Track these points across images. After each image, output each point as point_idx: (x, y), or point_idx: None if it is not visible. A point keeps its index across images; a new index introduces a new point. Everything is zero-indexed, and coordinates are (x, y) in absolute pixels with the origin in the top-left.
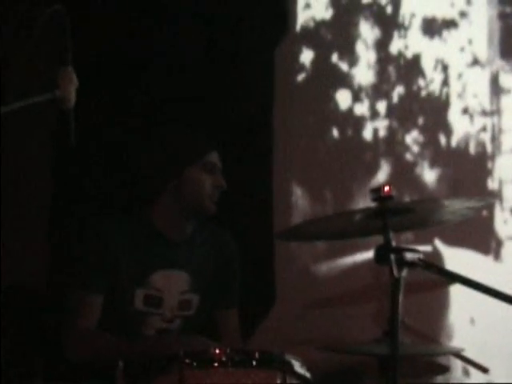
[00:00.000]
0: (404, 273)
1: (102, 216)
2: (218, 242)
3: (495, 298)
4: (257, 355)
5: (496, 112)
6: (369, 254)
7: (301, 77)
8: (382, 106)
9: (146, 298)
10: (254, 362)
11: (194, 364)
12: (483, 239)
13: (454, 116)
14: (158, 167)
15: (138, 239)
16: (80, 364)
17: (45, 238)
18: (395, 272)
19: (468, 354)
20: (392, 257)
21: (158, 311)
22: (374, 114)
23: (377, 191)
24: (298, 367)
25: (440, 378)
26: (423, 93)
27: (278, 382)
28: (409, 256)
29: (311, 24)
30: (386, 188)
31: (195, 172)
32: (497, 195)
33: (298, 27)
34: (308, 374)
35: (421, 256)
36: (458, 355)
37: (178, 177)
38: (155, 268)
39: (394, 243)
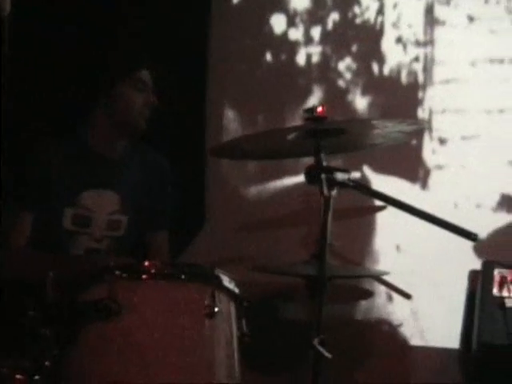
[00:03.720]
0: (334, 193)
1: (36, 137)
2: (151, 164)
3: (423, 219)
4: (186, 269)
5: (429, 43)
6: (299, 178)
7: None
8: (316, 32)
9: (75, 217)
10: (183, 276)
11: (124, 275)
12: (411, 168)
13: (388, 45)
14: (89, 80)
15: (71, 159)
16: (13, 281)
17: None
18: (325, 191)
19: (393, 280)
20: (323, 176)
21: (87, 230)
22: (309, 40)
23: (310, 111)
24: (226, 282)
25: (364, 303)
26: (358, 20)
27: (207, 295)
28: (339, 176)
29: None
30: (320, 108)
31: (126, 88)
32: (427, 123)
33: None
34: (237, 290)
35: (351, 176)
36: (382, 280)
37: (109, 92)
38: (85, 187)
39: (324, 164)
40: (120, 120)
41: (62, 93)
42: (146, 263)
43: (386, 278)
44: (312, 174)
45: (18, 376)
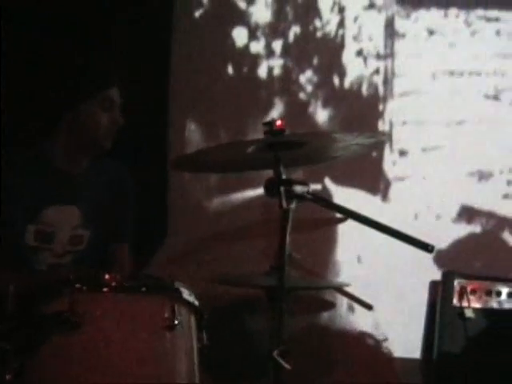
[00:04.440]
0: (293, 205)
1: None
2: (112, 177)
3: (381, 232)
4: (146, 281)
5: (389, 55)
6: (260, 191)
7: (198, 13)
8: (277, 45)
9: (37, 233)
10: (144, 288)
11: (85, 288)
12: (372, 179)
13: (349, 58)
14: (54, 98)
15: (33, 174)
16: None
17: None
18: (284, 204)
19: (354, 291)
20: (281, 189)
21: (49, 246)
22: (270, 53)
23: (269, 124)
24: (186, 295)
25: (326, 314)
26: (319, 33)
27: (167, 308)
28: (298, 189)
29: None
30: (279, 122)
31: (91, 107)
32: (387, 135)
33: None
34: (197, 302)
35: (309, 189)
36: (343, 291)
37: (74, 110)
38: (47, 203)
39: (284, 177)
40: (85, 138)
41: (26, 106)
42: (107, 276)
43: (347, 288)
44: (271, 187)
45: None
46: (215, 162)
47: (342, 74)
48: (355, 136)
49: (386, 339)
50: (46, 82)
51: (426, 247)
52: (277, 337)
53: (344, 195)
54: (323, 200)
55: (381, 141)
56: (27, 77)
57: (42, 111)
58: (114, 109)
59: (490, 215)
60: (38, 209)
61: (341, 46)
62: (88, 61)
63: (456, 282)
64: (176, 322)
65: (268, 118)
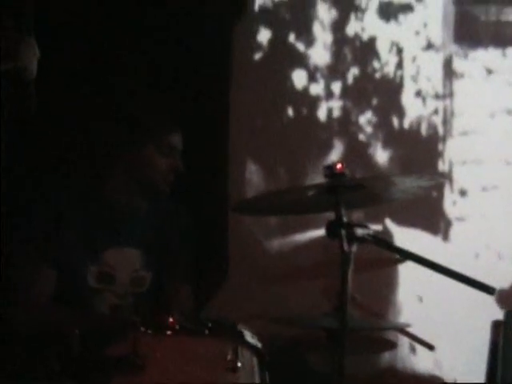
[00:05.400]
0: (354, 248)
1: (53, 190)
2: (173, 218)
3: (442, 274)
4: (209, 324)
5: (448, 95)
6: (320, 232)
7: (258, 56)
8: (336, 87)
9: (99, 274)
10: (207, 331)
11: (149, 331)
12: (433, 220)
13: (407, 98)
14: (113, 141)
15: (91, 214)
16: (30, 336)
17: None
18: (345, 246)
19: (415, 331)
20: (342, 231)
21: (111, 288)
22: (329, 94)
23: (330, 168)
24: (249, 337)
25: (387, 355)
26: (377, 75)
27: (230, 350)
28: (359, 231)
29: (269, 4)
30: (339, 165)
31: (150, 152)
32: (446, 176)
33: (257, 6)
34: (259, 344)
35: (371, 232)
36: (405, 331)
37: (133, 154)
38: (108, 245)
39: (345, 219)
40: (143, 182)
41: (86, 145)
42: (171, 319)
43: (408, 329)
44: (332, 229)
45: None
46: (276, 206)
47: (401, 115)
48: (414, 178)
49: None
50: (108, 121)
51: (487, 289)
52: (338, 377)
53: (405, 236)
54: (384, 242)
55: (439, 183)
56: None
57: (103, 154)
58: (173, 154)
59: None
60: (99, 250)
61: (399, 87)
62: (152, 104)
63: None
64: (239, 364)
65: (328, 160)
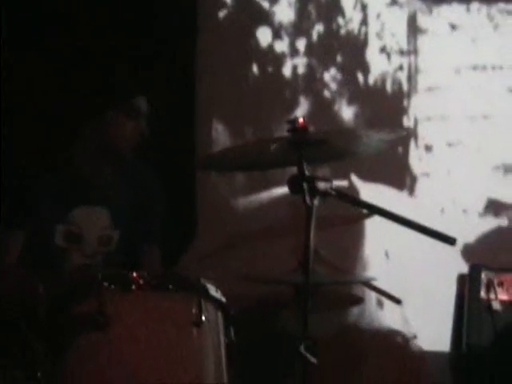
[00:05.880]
0: (316, 202)
1: (23, 158)
2: (140, 179)
3: (402, 225)
4: (173, 279)
5: (413, 52)
6: (286, 189)
7: (222, 13)
8: (301, 44)
9: (67, 233)
10: (171, 286)
11: (113, 287)
12: (399, 175)
13: (372, 55)
14: (80, 104)
15: (60, 179)
16: (4, 297)
17: None
18: (308, 200)
19: (383, 286)
20: (305, 185)
21: (78, 247)
22: (294, 52)
23: (292, 122)
24: (213, 291)
25: (355, 309)
26: (342, 31)
27: (194, 305)
28: (321, 185)
29: None
30: (301, 120)
31: (117, 116)
32: (408, 130)
33: None
34: (223, 299)
35: (333, 185)
36: (371, 285)
37: (99, 117)
38: (75, 204)
39: (307, 173)
40: (109, 147)
41: (52, 111)
42: (134, 274)
43: (375, 283)
44: (294, 184)
45: None
46: (240, 161)
47: (366, 71)
48: (376, 132)
49: (414, 337)
50: (73, 87)
51: (448, 240)
52: (303, 332)
53: (370, 191)
54: (347, 196)
55: (402, 136)
56: (54, 82)
57: (68, 117)
58: (139, 118)
59: None
60: (66, 210)
61: (364, 43)
62: (115, 69)
63: (483, 275)
64: (203, 318)
65: (292, 117)
